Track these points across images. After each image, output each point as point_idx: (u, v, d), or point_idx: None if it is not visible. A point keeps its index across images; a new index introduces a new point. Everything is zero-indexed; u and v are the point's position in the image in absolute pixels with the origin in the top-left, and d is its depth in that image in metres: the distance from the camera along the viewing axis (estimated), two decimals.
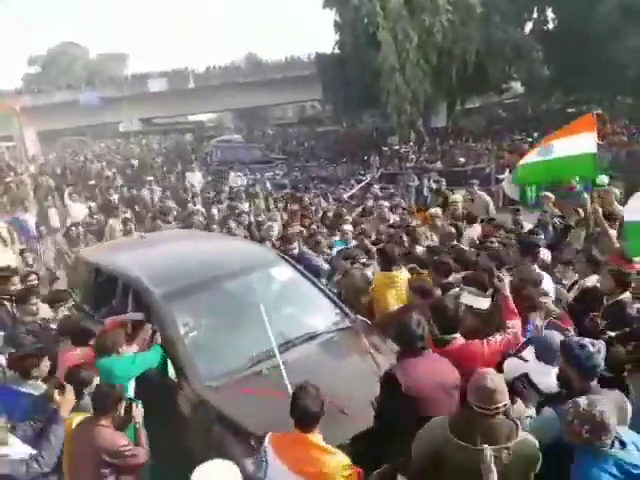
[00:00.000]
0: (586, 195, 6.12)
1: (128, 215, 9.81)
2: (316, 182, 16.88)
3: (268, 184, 14.82)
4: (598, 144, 5.83)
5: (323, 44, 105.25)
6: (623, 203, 6.21)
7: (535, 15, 26.45)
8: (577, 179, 8.57)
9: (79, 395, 3.34)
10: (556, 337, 3.28)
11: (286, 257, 5.23)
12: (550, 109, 25.51)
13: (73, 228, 8.70)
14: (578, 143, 5.54)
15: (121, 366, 3.66)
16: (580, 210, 6.38)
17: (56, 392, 3.27)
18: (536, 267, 4.72)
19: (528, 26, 26.31)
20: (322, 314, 4.58)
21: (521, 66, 23.30)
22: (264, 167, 20.23)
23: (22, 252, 7.48)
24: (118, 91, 40.77)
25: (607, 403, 2.47)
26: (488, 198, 8.76)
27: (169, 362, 3.89)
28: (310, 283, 4.88)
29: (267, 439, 2.76)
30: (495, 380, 2.52)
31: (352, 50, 22.34)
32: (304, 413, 2.66)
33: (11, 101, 32.69)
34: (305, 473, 2.61)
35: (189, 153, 25.68)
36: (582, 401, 2.44)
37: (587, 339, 2.88)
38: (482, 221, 6.94)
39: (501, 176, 12.31)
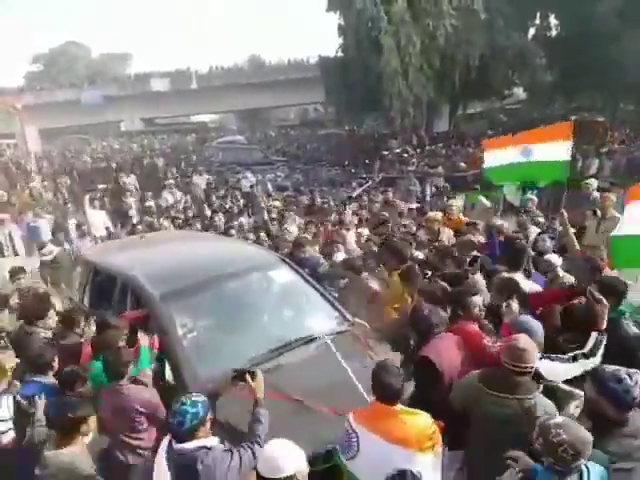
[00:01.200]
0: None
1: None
2: (317, 185, 16.87)
3: (269, 185, 14.83)
4: (601, 151, 6.12)
5: (326, 47, 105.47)
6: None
7: (538, 21, 26.50)
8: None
9: None
10: (531, 321, 3.54)
11: (286, 260, 5.21)
12: (552, 115, 25.48)
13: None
14: (556, 150, 5.90)
15: None
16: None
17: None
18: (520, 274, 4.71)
19: (531, 32, 26.37)
20: (321, 317, 4.56)
21: (524, 72, 23.31)
22: (265, 169, 20.26)
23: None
24: (120, 90, 40.82)
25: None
26: (488, 203, 8.74)
27: (166, 363, 3.87)
28: (309, 286, 4.86)
29: (351, 417, 2.88)
30: (527, 343, 2.99)
31: (355, 53, 22.35)
32: (389, 389, 2.84)
33: (13, 99, 32.73)
34: (400, 440, 2.74)
35: (191, 154, 25.66)
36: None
37: (623, 370, 2.67)
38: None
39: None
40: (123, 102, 40.30)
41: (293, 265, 5.11)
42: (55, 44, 58.55)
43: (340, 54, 24.84)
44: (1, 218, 9.00)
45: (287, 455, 2.40)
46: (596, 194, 8.18)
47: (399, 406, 2.87)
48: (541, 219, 7.34)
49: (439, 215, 7.34)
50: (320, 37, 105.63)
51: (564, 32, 24.99)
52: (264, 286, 4.86)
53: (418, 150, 21.26)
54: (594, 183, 8.90)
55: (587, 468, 2.38)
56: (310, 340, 4.15)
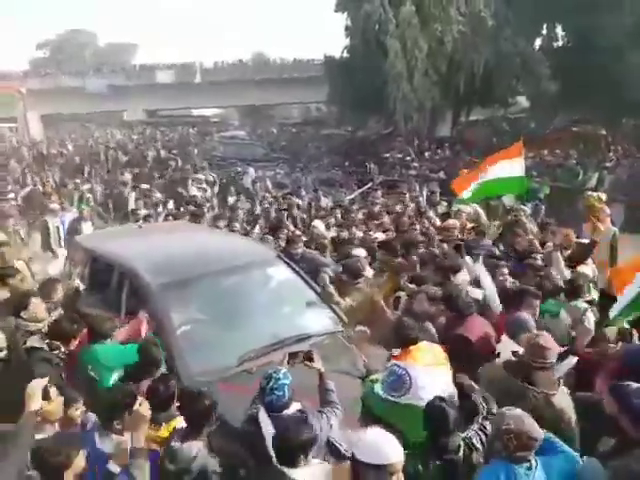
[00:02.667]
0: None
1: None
2: (317, 184, 16.84)
3: (269, 182, 14.79)
4: (604, 166, 6.39)
5: (331, 47, 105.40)
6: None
7: (545, 31, 26.53)
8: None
9: None
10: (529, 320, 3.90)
11: (284, 257, 5.22)
12: (555, 127, 25.51)
13: None
14: (509, 167, 6.66)
15: (111, 354, 3.66)
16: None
17: None
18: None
19: (537, 42, 26.40)
20: (316, 316, 4.58)
21: (528, 81, 23.33)
22: (266, 165, 20.21)
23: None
24: (125, 80, 40.75)
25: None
26: (480, 210, 8.72)
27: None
28: (306, 285, 4.87)
29: (395, 360, 3.33)
30: (548, 340, 3.24)
31: (361, 55, 22.34)
32: (408, 338, 3.44)
33: (17, 83, 32.67)
34: (437, 362, 3.34)
35: (193, 147, 25.55)
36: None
37: None
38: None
39: None
40: (127, 92, 40.20)
41: (290, 263, 5.12)
42: (62, 30, 58.35)
43: (346, 55, 24.85)
44: (52, 208, 8.64)
45: (391, 443, 2.44)
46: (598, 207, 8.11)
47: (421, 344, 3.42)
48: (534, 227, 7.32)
49: (457, 223, 7.25)
50: (325, 37, 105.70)
51: (570, 43, 25.03)
52: (261, 282, 4.86)
53: (420, 154, 21.26)
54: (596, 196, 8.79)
55: (536, 461, 2.52)
56: (303, 339, 4.16)
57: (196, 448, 2.78)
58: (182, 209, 9.59)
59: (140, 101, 42.36)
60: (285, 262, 5.07)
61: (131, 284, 4.43)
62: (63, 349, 3.64)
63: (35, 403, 2.64)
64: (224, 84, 39.28)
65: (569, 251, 5.73)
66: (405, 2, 20.64)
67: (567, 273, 5.22)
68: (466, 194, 7.29)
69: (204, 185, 12.89)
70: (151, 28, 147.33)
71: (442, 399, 2.82)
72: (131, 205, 10.05)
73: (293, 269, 5.01)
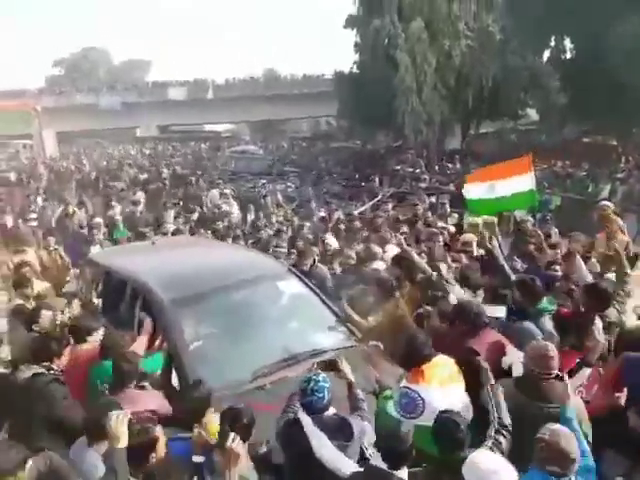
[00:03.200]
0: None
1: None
2: (327, 197, 16.90)
3: (279, 196, 14.87)
4: (616, 177, 6.31)
5: (339, 63, 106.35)
6: None
7: (553, 44, 26.56)
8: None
9: None
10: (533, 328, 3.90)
11: (295, 271, 5.23)
12: (565, 138, 25.42)
13: None
14: (520, 182, 6.67)
15: None
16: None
17: None
18: None
19: (546, 55, 26.43)
20: (328, 331, 4.57)
21: (537, 94, 23.33)
22: (276, 179, 20.34)
23: None
24: (138, 97, 41.30)
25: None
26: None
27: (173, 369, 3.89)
28: (318, 299, 4.87)
29: (406, 383, 3.22)
30: (553, 350, 3.17)
31: (371, 70, 22.52)
32: (421, 355, 3.29)
33: (33, 101, 33.25)
34: (452, 380, 3.23)
35: (205, 162, 25.81)
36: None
37: None
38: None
39: None
40: (140, 109, 40.74)
41: (301, 277, 5.12)
42: (77, 49, 59.43)
43: (355, 70, 25.07)
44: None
45: (506, 469, 2.46)
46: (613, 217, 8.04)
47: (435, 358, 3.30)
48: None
49: (474, 237, 6.96)
50: (335, 53, 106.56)
51: (579, 55, 24.99)
52: (273, 297, 4.87)
53: (430, 167, 21.27)
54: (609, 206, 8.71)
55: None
56: (316, 354, 4.14)
57: None
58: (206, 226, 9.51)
59: (153, 117, 42.89)
60: (296, 276, 5.07)
61: (144, 300, 4.46)
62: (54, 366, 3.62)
63: (125, 439, 2.60)
64: (236, 100, 39.69)
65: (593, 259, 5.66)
66: (415, 17, 20.84)
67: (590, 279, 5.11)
68: (471, 194, 7.21)
69: (231, 200, 12.68)
70: (164, 45, 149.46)
71: (449, 412, 2.78)
72: (169, 219, 10.01)
73: (305, 283, 5.00)
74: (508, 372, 3.58)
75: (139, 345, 3.92)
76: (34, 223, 9.77)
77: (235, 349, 4.21)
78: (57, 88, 46.06)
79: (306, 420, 2.88)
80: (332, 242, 7.22)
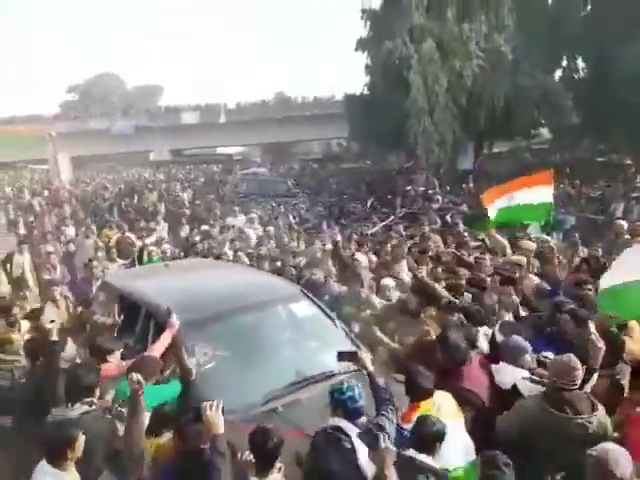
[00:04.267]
0: None
1: None
2: (338, 218, 16.90)
3: (291, 217, 14.89)
4: (631, 196, 6.35)
5: (349, 85, 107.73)
6: None
7: (565, 63, 26.66)
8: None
9: None
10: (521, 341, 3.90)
11: (308, 293, 5.19)
12: (579, 157, 25.35)
13: None
14: (537, 194, 6.73)
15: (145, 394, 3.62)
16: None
17: None
18: None
19: (558, 73, 26.51)
20: None
21: (550, 113, 23.32)
22: (288, 200, 20.42)
23: None
24: (151, 121, 41.94)
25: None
26: (505, 241, 8.52)
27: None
28: (330, 321, 4.82)
29: (398, 421, 3.18)
30: (576, 362, 3.20)
31: (382, 91, 22.69)
32: (422, 390, 3.29)
33: (48, 126, 33.87)
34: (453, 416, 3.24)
35: (217, 185, 26.01)
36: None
37: None
38: None
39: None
40: (153, 133, 41.36)
41: (314, 298, 5.09)
42: (91, 75, 60.73)
43: (366, 92, 25.28)
44: None
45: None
46: (627, 237, 7.95)
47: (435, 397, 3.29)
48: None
49: (532, 245, 6.95)
50: (345, 76, 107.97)
51: (591, 74, 25.03)
52: (285, 319, 4.83)
53: (442, 187, 21.24)
54: (624, 225, 8.62)
55: None
56: (329, 376, 4.08)
57: None
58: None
59: (166, 141, 43.49)
60: (309, 298, 5.03)
61: (157, 322, 4.43)
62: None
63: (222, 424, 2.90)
64: (247, 123, 40.18)
65: None
66: (426, 38, 21.03)
67: None
68: (491, 211, 7.17)
69: (256, 224, 12.53)
70: (176, 70, 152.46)
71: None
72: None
73: (317, 305, 4.97)
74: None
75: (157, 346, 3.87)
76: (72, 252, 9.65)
77: (248, 372, 4.15)
78: (71, 113, 46.96)
79: (345, 425, 2.92)
80: (362, 259, 7.17)
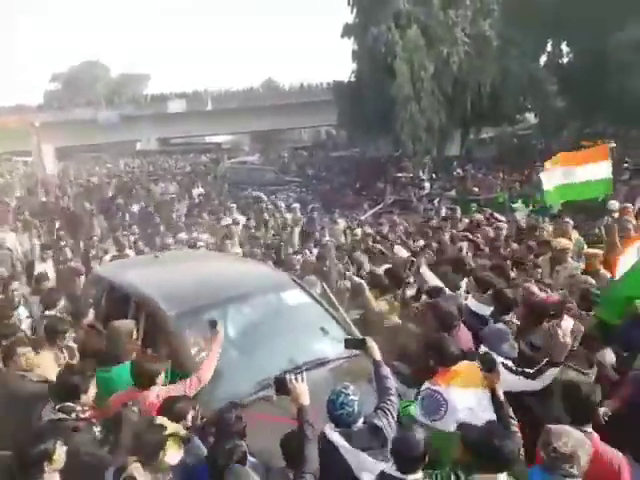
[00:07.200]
0: None
1: None
2: (329, 206, 16.94)
3: (282, 204, 14.90)
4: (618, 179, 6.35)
5: (338, 72, 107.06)
6: None
7: (549, 48, 26.75)
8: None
9: None
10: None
11: (299, 281, 5.22)
12: (564, 141, 25.54)
13: None
14: (598, 170, 6.75)
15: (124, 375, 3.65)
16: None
17: None
18: None
19: (543, 59, 26.60)
20: (333, 340, 4.55)
21: (535, 98, 23.43)
22: (278, 189, 20.41)
23: None
24: (137, 110, 41.39)
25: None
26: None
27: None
28: (322, 309, 4.86)
29: (429, 384, 3.27)
30: None
31: (369, 78, 22.65)
32: (453, 354, 3.39)
33: (31, 117, 33.31)
34: (476, 383, 3.23)
35: (204, 174, 25.89)
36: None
37: None
38: None
39: (514, 205, 12.41)
40: (140, 122, 40.82)
41: (305, 286, 5.12)
42: (75, 63, 59.72)
43: (353, 79, 25.21)
44: None
45: None
46: (616, 215, 8.11)
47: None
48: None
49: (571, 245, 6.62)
50: (333, 62, 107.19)
51: (576, 59, 25.14)
52: (277, 307, 4.86)
53: (431, 174, 21.33)
54: (615, 205, 8.82)
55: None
56: (321, 363, 4.15)
57: None
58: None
59: (153, 130, 42.99)
60: (300, 286, 5.07)
61: (148, 313, 4.45)
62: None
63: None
64: (235, 111, 39.77)
65: None
66: (411, 25, 20.99)
67: None
68: (547, 182, 7.16)
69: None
70: (162, 58, 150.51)
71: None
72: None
73: (308, 293, 5.00)
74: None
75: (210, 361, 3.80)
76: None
77: (241, 360, 4.22)
78: (55, 103, 46.21)
79: (337, 439, 2.86)
80: (401, 253, 7.22)
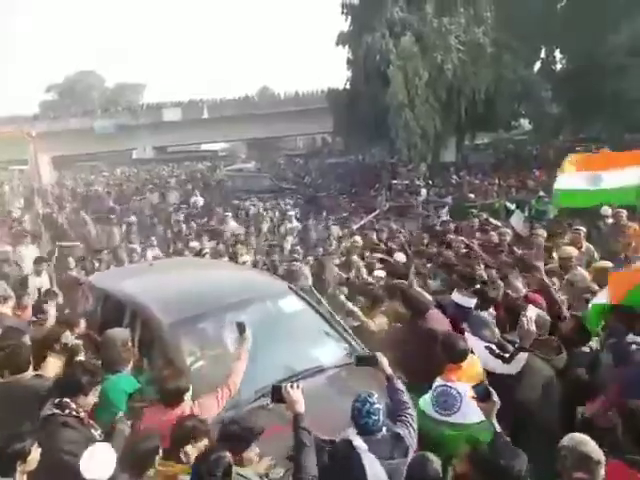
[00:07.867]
0: None
1: None
2: (325, 213, 16.92)
3: (277, 213, 14.88)
4: None
5: (333, 80, 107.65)
6: None
7: (543, 55, 26.98)
8: None
9: None
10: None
11: (295, 289, 5.18)
12: (559, 147, 25.66)
13: None
14: (628, 175, 6.43)
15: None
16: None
17: None
18: None
19: (537, 66, 26.80)
20: (330, 348, 4.52)
21: (530, 104, 23.54)
22: (274, 196, 20.41)
23: None
24: (133, 119, 41.44)
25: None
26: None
27: None
28: (319, 316, 4.83)
29: (442, 379, 3.44)
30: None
31: (363, 86, 22.73)
32: (463, 352, 3.59)
33: (27, 127, 33.29)
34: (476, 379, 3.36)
35: (200, 182, 25.85)
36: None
37: None
38: None
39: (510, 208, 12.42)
40: (136, 131, 40.88)
41: (302, 294, 5.10)
42: (70, 73, 59.85)
43: (348, 86, 25.31)
44: None
45: None
46: (609, 221, 8.03)
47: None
48: None
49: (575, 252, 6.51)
50: (328, 70, 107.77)
51: (570, 65, 25.33)
52: (273, 315, 4.83)
53: (426, 180, 21.36)
54: (608, 210, 8.77)
55: None
56: (318, 371, 4.12)
57: None
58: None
59: (149, 139, 43.05)
60: (296, 293, 5.04)
61: (143, 322, 4.41)
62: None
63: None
64: (230, 119, 39.86)
65: None
66: (405, 32, 21.09)
67: None
68: (563, 183, 7.01)
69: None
70: (157, 67, 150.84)
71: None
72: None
73: (305, 300, 4.97)
74: None
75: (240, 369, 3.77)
76: None
77: None
78: (51, 112, 46.23)
79: (362, 447, 2.84)
80: (400, 258, 7.22)
